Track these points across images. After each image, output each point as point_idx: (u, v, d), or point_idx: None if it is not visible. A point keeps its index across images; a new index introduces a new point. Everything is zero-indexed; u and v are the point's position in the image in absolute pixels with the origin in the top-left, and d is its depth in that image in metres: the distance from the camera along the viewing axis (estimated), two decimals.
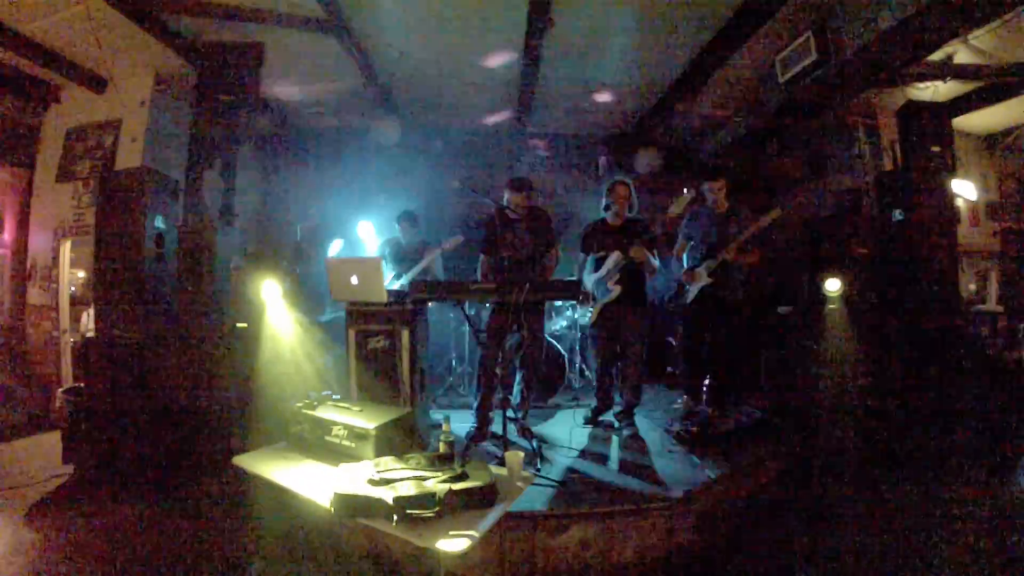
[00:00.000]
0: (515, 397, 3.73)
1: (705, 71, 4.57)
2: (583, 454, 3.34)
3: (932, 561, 2.49)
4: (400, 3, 3.79)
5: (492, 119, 6.01)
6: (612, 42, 4.27)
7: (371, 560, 2.47)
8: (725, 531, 2.79)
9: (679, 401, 4.36)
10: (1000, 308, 5.34)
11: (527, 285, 2.92)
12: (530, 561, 2.41)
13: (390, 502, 1.81)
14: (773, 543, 2.72)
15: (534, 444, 3.18)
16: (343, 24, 3.89)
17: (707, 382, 4.07)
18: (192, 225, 4.11)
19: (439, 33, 4.17)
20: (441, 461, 2.13)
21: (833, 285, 3.80)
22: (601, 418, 3.93)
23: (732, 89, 5.03)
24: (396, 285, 4.25)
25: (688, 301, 4.00)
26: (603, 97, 5.39)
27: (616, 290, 3.59)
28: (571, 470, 3.06)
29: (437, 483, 1.92)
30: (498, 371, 3.45)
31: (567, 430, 3.78)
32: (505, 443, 2.88)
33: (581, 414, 4.06)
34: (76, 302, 5.03)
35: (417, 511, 1.80)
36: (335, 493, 1.90)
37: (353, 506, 1.88)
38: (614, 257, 3.59)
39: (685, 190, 3.68)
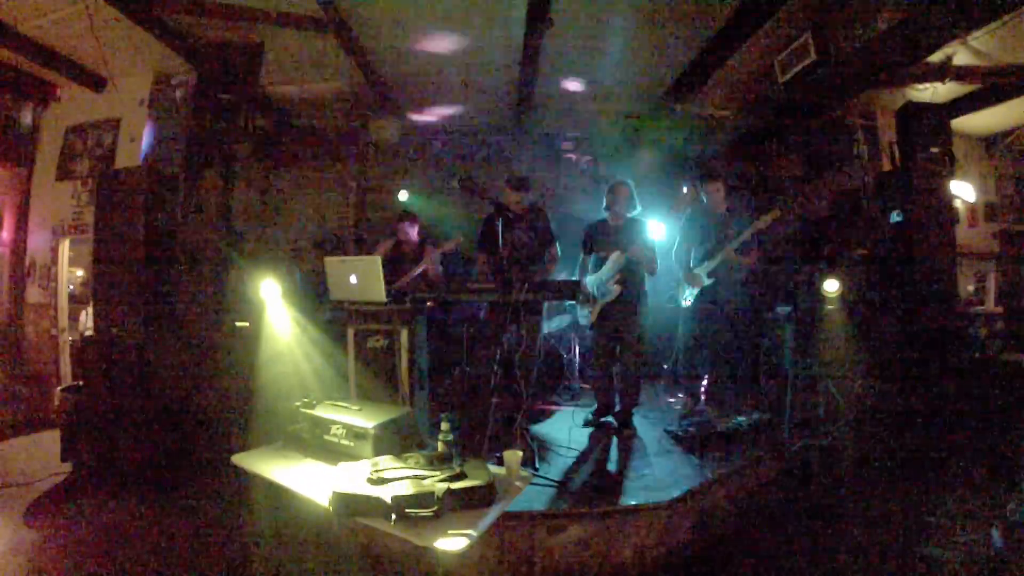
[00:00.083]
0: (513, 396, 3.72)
1: (704, 71, 4.57)
2: (582, 454, 3.34)
3: (932, 561, 2.50)
4: (399, 2, 3.79)
5: (491, 119, 6.00)
6: (611, 42, 4.27)
7: (370, 559, 2.48)
8: (724, 531, 2.79)
9: (678, 401, 4.36)
10: (998, 309, 5.34)
11: (525, 285, 2.92)
12: (529, 561, 2.42)
13: (389, 501, 1.81)
14: (772, 543, 2.72)
15: (533, 444, 3.18)
16: (342, 23, 3.89)
17: (706, 382, 4.08)
18: (191, 224, 4.10)
19: (438, 32, 4.16)
20: (440, 461, 2.13)
21: (832, 286, 3.80)
22: (599, 419, 3.93)
23: (732, 89, 5.03)
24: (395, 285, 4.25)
25: (688, 301, 4.01)
26: (602, 97, 5.39)
27: (616, 290, 3.59)
28: (570, 470, 3.06)
29: (436, 482, 1.92)
30: (496, 370, 3.45)
31: (566, 430, 3.77)
32: (504, 443, 2.89)
33: (580, 414, 4.06)
34: (75, 301, 5.03)
35: (416, 510, 1.80)
36: (334, 492, 1.90)
37: (352, 505, 1.88)
38: (614, 257, 3.60)
39: (684, 188, 3.69)
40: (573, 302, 4.16)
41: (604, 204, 3.77)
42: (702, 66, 4.52)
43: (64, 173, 4.89)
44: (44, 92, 4.93)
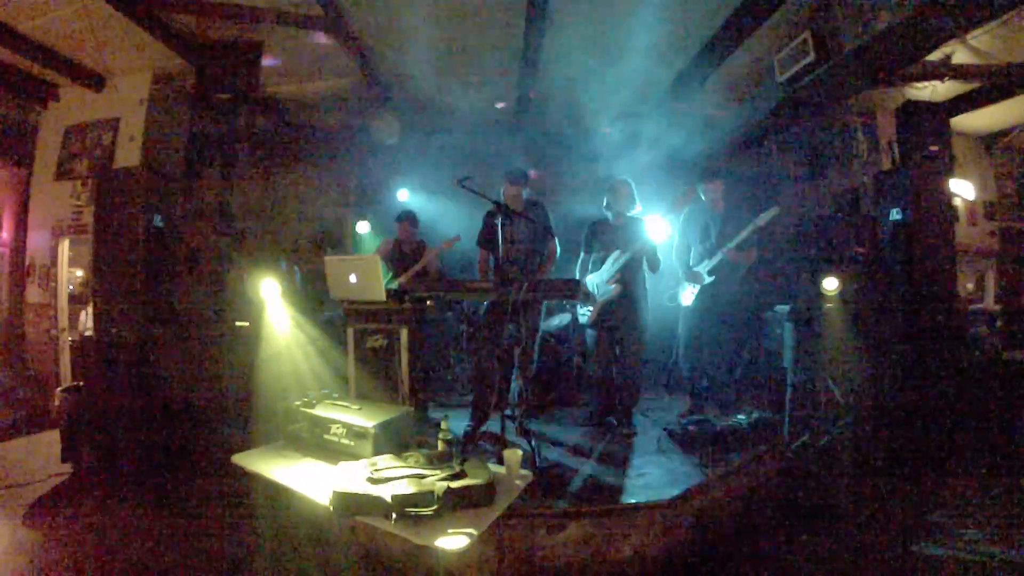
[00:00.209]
0: (513, 396, 3.73)
1: (704, 70, 4.57)
2: (581, 453, 3.34)
3: (931, 561, 2.50)
4: (399, 2, 3.78)
5: (491, 118, 6.00)
6: (611, 41, 4.27)
7: (370, 558, 2.48)
8: (723, 530, 2.79)
9: (677, 400, 4.36)
10: (998, 307, 5.35)
11: (525, 284, 2.92)
12: (528, 559, 2.42)
13: (389, 500, 1.81)
14: (771, 543, 2.72)
15: (532, 443, 3.18)
16: (342, 23, 3.89)
17: (706, 382, 4.08)
18: (191, 224, 4.10)
19: (438, 31, 4.16)
20: (439, 459, 2.14)
21: (831, 284, 3.80)
22: (599, 417, 3.93)
23: (731, 88, 5.03)
24: (396, 284, 4.26)
25: (687, 300, 4.01)
26: (602, 96, 5.39)
27: (616, 289, 3.59)
28: (569, 469, 3.06)
29: (436, 481, 1.93)
30: (495, 369, 3.45)
31: (565, 429, 3.78)
32: (503, 442, 2.89)
33: (579, 413, 4.06)
34: (74, 301, 5.03)
35: (416, 509, 1.80)
36: (334, 491, 1.90)
37: (352, 504, 1.88)
38: (615, 256, 3.60)
39: (687, 189, 3.69)
40: (573, 301, 4.17)
41: (604, 203, 3.77)
42: (702, 65, 4.52)
43: (63, 173, 4.89)
44: (43, 92, 4.92)
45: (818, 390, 3.78)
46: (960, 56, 4.26)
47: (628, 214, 3.75)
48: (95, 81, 4.74)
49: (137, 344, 3.40)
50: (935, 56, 4.13)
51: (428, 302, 3.68)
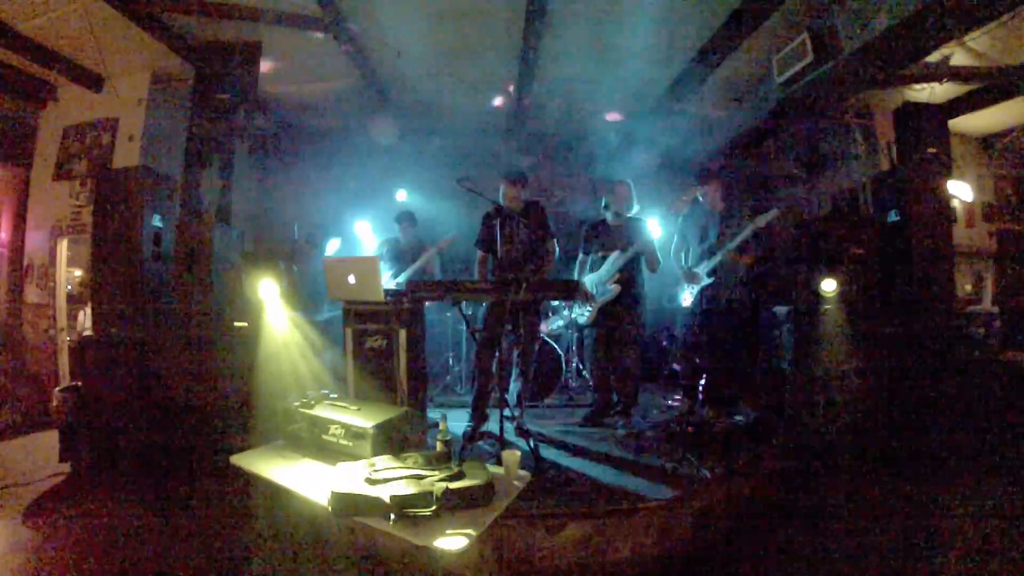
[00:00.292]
0: (512, 396, 3.73)
1: (703, 71, 4.58)
2: (580, 454, 3.34)
3: (931, 561, 2.50)
4: (398, 2, 3.79)
5: (490, 118, 6.00)
6: (609, 42, 4.28)
7: (369, 559, 2.48)
8: (721, 531, 2.80)
9: (676, 401, 4.37)
10: (995, 309, 5.36)
11: (524, 284, 2.92)
12: (527, 560, 2.42)
13: (387, 501, 1.81)
14: (770, 543, 2.73)
15: (531, 443, 3.18)
16: (341, 23, 3.89)
17: (704, 382, 4.09)
18: (189, 224, 4.10)
19: (437, 32, 4.17)
20: (438, 460, 2.14)
21: (829, 285, 3.81)
22: (598, 418, 3.94)
23: (729, 89, 5.04)
24: (393, 284, 4.26)
25: (686, 301, 4.01)
26: (601, 97, 5.40)
27: (615, 290, 3.60)
28: (568, 469, 3.06)
29: (434, 482, 1.93)
30: (494, 370, 3.45)
31: (564, 429, 3.78)
32: (502, 442, 2.89)
33: (578, 413, 4.07)
34: (73, 301, 5.03)
35: (414, 510, 1.80)
36: (333, 492, 1.91)
37: (351, 505, 1.89)
38: (614, 256, 3.61)
39: (689, 188, 3.70)
40: (572, 301, 4.17)
41: (603, 203, 3.78)
42: (700, 66, 4.53)
43: (62, 173, 4.89)
44: (42, 92, 4.92)
45: (816, 391, 3.79)
46: (958, 58, 4.27)
47: (627, 215, 3.76)
48: (94, 81, 4.74)
49: (136, 344, 3.40)
50: (934, 58, 4.14)
51: (427, 302, 3.68)
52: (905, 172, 4.37)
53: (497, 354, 3.37)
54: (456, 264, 5.26)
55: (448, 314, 5.10)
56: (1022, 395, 3.80)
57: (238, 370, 3.49)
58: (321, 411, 2.57)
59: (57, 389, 3.71)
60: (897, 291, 4.14)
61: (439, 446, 2.22)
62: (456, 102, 5.55)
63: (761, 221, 3.69)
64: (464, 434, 3.48)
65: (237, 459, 2.44)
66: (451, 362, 5.16)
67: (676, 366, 5.16)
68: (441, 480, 1.95)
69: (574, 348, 5.15)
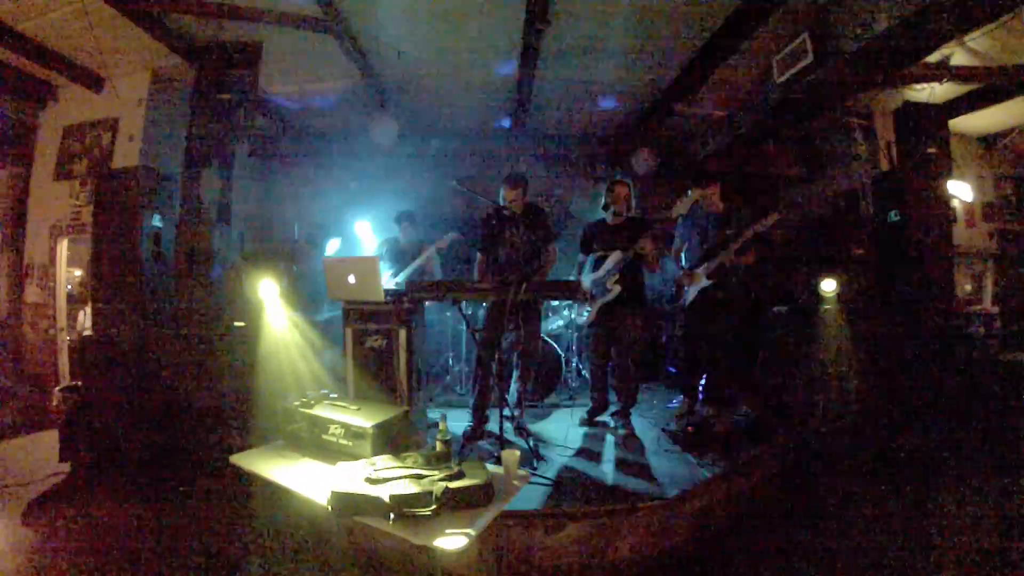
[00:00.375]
0: (512, 396, 3.73)
1: (703, 72, 4.57)
2: (580, 453, 3.35)
3: (930, 562, 2.50)
4: (398, 3, 3.79)
5: (490, 118, 6.01)
6: (610, 43, 4.27)
7: (368, 558, 2.48)
8: (721, 530, 2.80)
9: (676, 401, 4.37)
10: (995, 308, 5.37)
11: (524, 285, 2.92)
12: (527, 559, 2.42)
13: (387, 500, 1.81)
14: (769, 543, 2.73)
15: (531, 443, 3.19)
16: (341, 23, 3.89)
17: (704, 382, 4.08)
18: (189, 224, 4.10)
19: (437, 33, 4.17)
20: (438, 460, 2.14)
21: (829, 285, 3.81)
22: (597, 418, 3.94)
23: (730, 90, 5.04)
24: (393, 284, 4.26)
25: (686, 302, 4.01)
26: (601, 98, 5.40)
27: (615, 290, 3.60)
28: (568, 469, 3.06)
29: (434, 481, 1.93)
30: (495, 370, 3.45)
31: (564, 429, 3.79)
32: (502, 442, 2.89)
33: (578, 413, 4.07)
34: (73, 300, 5.03)
35: (414, 509, 1.80)
36: (332, 491, 1.90)
37: (350, 504, 1.89)
38: (614, 257, 3.61)
39: (689, 192, 3.69)
40: (572, 301, 4.18)
41: (603, 204, 3.78)
42: (700, 66, 4.52)
43: (62, 173, 4.88)
44: (42, 92, 4.92)
45: (816, 391, 3.79)
46: (959, 58, 4.27)
47: (626, 215, 3.76)
48: (94, 81, 4.74)
49: (135, 344, 3.40)
50: (933, 58, 4.14)
51: (427, 302, 3.68)
52: (905, 172, 4.37)
53: (497, 354, 3.37)
54: (457, 264, 5.26)
55: (448, 314, 5.10)
56: (1021, 395, 3.80)
57: (238, 370, 3.50)
58: (321, 411, 2.57)
59: (57, 389, 3.72)
60: (897, 291, 4.14)
61: (439, 446, 2.22)
62: (456, 102, 5.55)
63: (761, 226, 3.69)
64: (464, 434, 3.49)
65: (237, 459, 2.44)
66: (451, 362, 5.16)
67: (674, 367, 5.16)
68: (441, 480, 1.94)
69: (574, 348, 5.15)
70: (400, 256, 4.55)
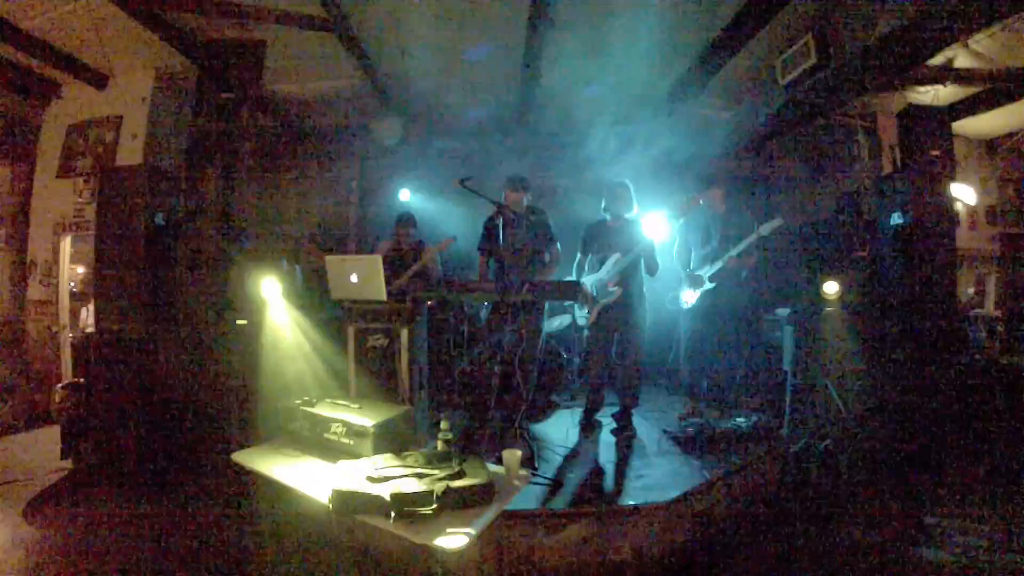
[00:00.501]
0: (513, 396, 3.73)
1: (706, 73, 4.57)
2: (580, 454, 3.35)
3: (930, 563, 2.50)
4: (401, 2, 3.79)
5: (491, 119, 6.00)
6: (612, 43, 4.27)
7: (369, 557, 2.48)
8: (722, 532, 2.80)
9: (677, 402, 4.36)
10: (998, 312, 5.35)
11: (525, 285, 2.92)
12: (528, 559, 2.42)
13: (388, 499, 1.81)
14: (770, 544, 2.73)
15: (532, 443, 3.18)
16: (344, 22, 3.89)
17: (706, 383, 4.08)
18: (192, 222, 4.11)
19: (440, 32, 4.17)
20: (439, 459, 2.14)
21: (831, 288, 3.80)
22: (594, 418, 3.93)
23: (732, 91, 5.03)
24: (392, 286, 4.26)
25: (687, 303, 4.01)
26: (603, 98, 5.39)
27: (616, 291, 3.59)
28: (569, 469, 3.06)
29: (435, 481, 1.93)
30: (496, 370, 3.46)
31: (564, 429, 3.78)
32: (503, 442, 2.89)
33: (578, 414, 4.06)
34: (76, 298, 5.05)
35: (415, 508, 1.80)
36: (334, 490, 1.91)
37: (351, 503, 1.89)
38: (614, 258, 3.60)
39: (691, 194, 3.70)
40: (573, 302, 4.17)
41: (603, 205, 3.77)
42: (703, 67, 4.52)
43: (66, 170, 4.90)
44: (46, 89, 4.93)
45: (818, 393, 3.78)
46: (962, 60, 4.26)
47: (626, 216, 3.76)
48: (98, 79, 4.75)
49: (138, 341, 3.41)
50: (937, 60, 4.14)
51: (428, 302, 3.68)
52: (908, 175, 4.36)
53: (498, 354, 3.37)
54: (457, 264, 5.26)
55: (450, 313, 5.09)
56: (1022, 399, 3.79)
57: (240, 368, 3.50)
58: (322, 409, 2.57)
59: (59, 386, 3.73)
60: (899, 294, 4.13)
61: (440, 445, 2.22)
62: (459, 101, 5.55)
63: (764, 231, 3.69)
64: (465, 433, 3.49)
65: (238, 456, 2.44)
66: (452, 362, 5.15)
67: (677, 367, 5.15)
68: (442, 479, 1.94)
69: (574, 348, 5.14)
70: (400, 257, 4.55)
